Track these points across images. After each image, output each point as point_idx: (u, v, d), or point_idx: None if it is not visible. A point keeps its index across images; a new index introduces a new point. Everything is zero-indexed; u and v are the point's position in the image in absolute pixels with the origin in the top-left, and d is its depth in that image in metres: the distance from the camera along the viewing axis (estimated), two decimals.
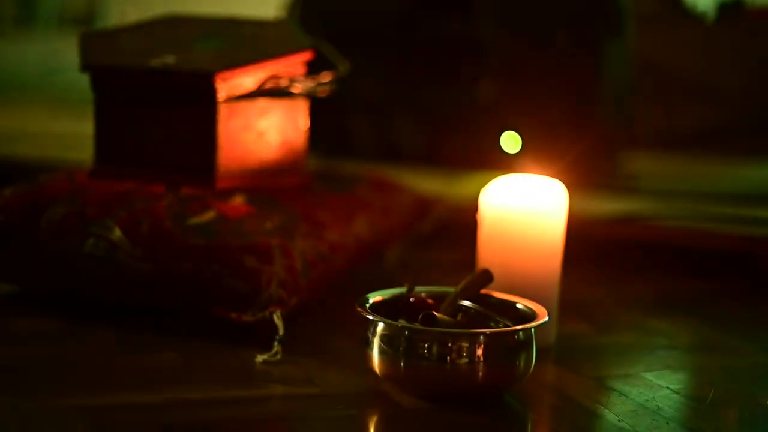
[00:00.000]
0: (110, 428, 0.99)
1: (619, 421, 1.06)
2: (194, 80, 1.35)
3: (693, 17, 3.02)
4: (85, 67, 1.39)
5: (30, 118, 2.95)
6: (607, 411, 1.09)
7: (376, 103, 2.32)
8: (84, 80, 1.41)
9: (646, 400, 1.11)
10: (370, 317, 1.08)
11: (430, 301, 1.16)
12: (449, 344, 1.04)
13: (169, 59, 1.37)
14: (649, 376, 1.20)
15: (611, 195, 2.06)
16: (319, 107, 1.52)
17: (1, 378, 1.11)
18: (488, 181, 1.28)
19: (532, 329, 1.08)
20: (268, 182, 1.41)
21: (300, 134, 1.45)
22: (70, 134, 2.44)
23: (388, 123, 2.32)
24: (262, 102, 1.40)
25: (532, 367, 1.09)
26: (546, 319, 1.11)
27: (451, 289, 1.16)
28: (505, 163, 2.06)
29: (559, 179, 1.28)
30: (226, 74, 1.34)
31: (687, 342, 1.37)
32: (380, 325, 1.07)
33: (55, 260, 1.29)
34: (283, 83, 1.40)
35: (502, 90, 2.23)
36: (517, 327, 1.08)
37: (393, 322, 1.07)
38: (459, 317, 1.14)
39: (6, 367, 1.15)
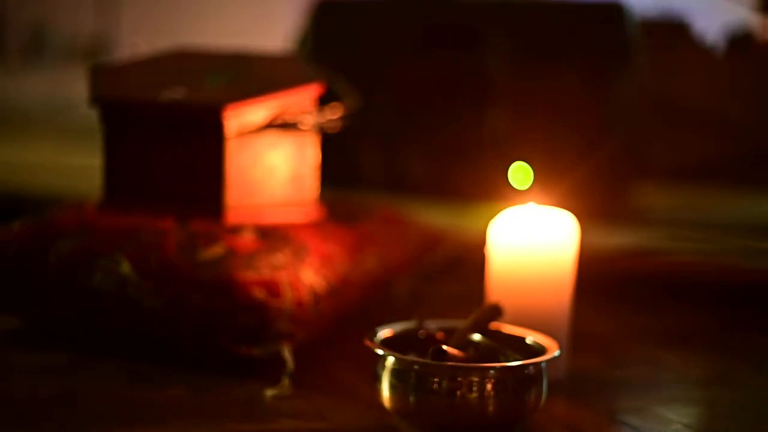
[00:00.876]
0: None
1: None
2: (203, 114, 1.35)
3: (703, 49, 3.02)
4: (95, 100, 1.39)
5: (38, 152, 2.96)
6: None
7: (386, 135, 2.33)
8: (92, 114, 1.42)
9: None
10: (380, 351, 1.07)
11: (439, 335, 1.15)
12: (459, 379, 1.04)
13: (179, 93, 1.38)
14: (660, 409, 1.19)
15: (622, 227, 2.06)
16: (329, 139, 1.52)
17: (8, 412, 1.11)
18: (497, 214, 1.28)
19: (543, 363, 1.08)
20: (278, 217, 1.41)
21: (310, 168, 1.45)
22: (79, 168, 2.44)
23: (397, 155, 2.33)
24: (271, 136, 1.40)
25: (542, 401, 1.08)
26: (556, 352, 1.10)
27: (460, 323, 1.16)
28: (514, 196, 2.06)
29: (568, 211, 1.28)
30: (236, 108, 1.34)
31: (698, 375, 1.36)
32: (390, 360, 1.06)
33: (64, 294, 1.29)
34: (293, 117, 1.40)
35: (511, 122, 2.23)
36: (528, 361, 1.08)
37: (403, 357, 1.07)
38: (469, 351, 1.14)
39: (13, 401, 1.14)
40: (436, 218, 1.81)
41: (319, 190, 1.48)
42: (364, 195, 1.94)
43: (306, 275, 1.27)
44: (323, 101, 1.46)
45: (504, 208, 1.29)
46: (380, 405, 1.08)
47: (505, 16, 2.26)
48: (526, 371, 1.07)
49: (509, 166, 2.19)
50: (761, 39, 3.01)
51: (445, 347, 1.10)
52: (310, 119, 1.42)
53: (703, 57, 2.97)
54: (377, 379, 1.07)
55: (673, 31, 3.04)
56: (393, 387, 1.06)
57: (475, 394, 1.04)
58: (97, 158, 1.43)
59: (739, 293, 1.70)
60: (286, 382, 1.17)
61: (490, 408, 1.04)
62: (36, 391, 1.17)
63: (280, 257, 1.28)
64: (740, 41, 3.01)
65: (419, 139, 2.31)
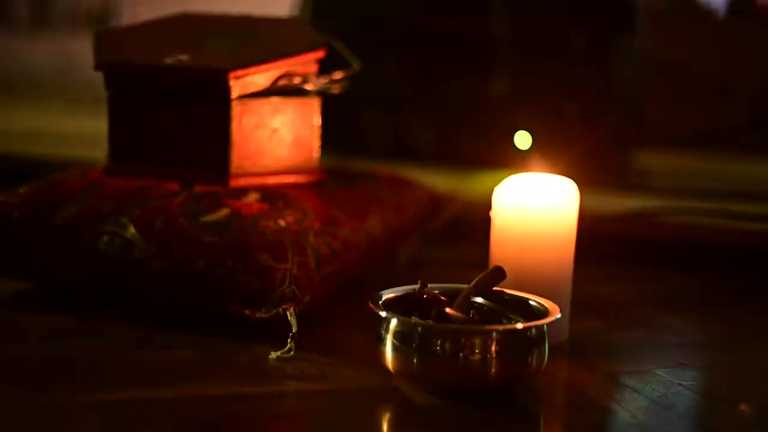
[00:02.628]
0: (125, 424, 0.99)
1: (631, 417, 1.06)
2: (208, 78, 1.36)
3: (704, 13, 3.02)
4: (99, 65, 1.40)
5: (44, 117, 2.96)
6: (620, 407, 1.09)
7: (389, 100, 2.32)
8: (98, 78, 1.42)
9: (659, 397, 1.12)
10: (384, 314, 1.08)
11: (443, 297, 1.16)
12: (462, 341, 1.05)
13: (183, 57, 1.38)
14: (661, 372, 1.20)
15: (623, 193, 2.06)
16: (332, 106, 1.52)
17: (16, 374, 1.12)
18: (501, 179, 1.28)
19: (545, 326, 1.09)
20: (282, 180, 1.41)
21: (313, 132, 1.45)
22: (84, 132, 2.45)
23: (400, 121, 2.33)
24: (275, 100, 1.40)
25: (544, 364, 1.09)
26: (558, 315, 1.11)
27: (463, 286, 1.17)
28: (517, 162, 2.07)
29: (570, 177, 1.29)
30: (240, 72, 1.34)
31: (699, 338, 1.37)
32: (393, 322, 1.07)
33: (70, 257, 1.30)
34: (297, 81, 1.41)
35: (513, 87, 2.23)
36: (530, 323, 1.09)
37: (406, 319, 1.08)
38: (472, 314, 1.15)
39: (20, 364, 1.15)
40: (439, 183, 1.81)
41: (321, 154, 1.48)
42: (369, 162, 1.94)
43: (310, 238, 1.28)
44: (324, 65, 1.46)
45: (508, 175, 1.29)
46: (384, 367, 1.09)
47: None
48: (528, 333, 1.07)
49: (512, 132, 2.20)
50: (762, 4, 3.00)
51: (448, 310, 1.11)
52: (313, 83, 1.42)
53: (704, 22, 2.96)
54: (381, 342, 1.08)
55: None
56: (396, 349, 1.07)
57: (477, 356, 1.05)
58: (103, 122, 1.43)
59: (740, 256, 1.71)
60: (290, 344, 1.18)
61: (493, 370, 1.05)
62: (44, 354, 1.18)
63: (284, 220, 1.29)
64: (742, 4, 3.00)
65: (422, 105, 2.31)
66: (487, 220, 1.28)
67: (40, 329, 1.27)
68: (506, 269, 1.17)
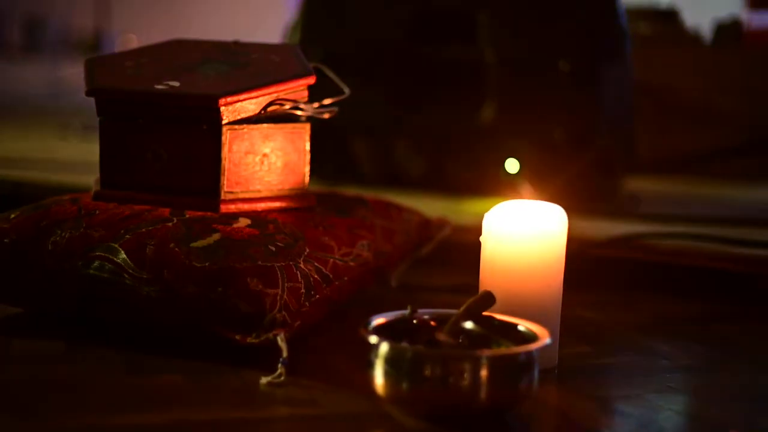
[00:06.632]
0: None
1: None
2: (198, 104, 1.36)
3: (691, 39, 3.03)
4: (91, 91, 1.40)
5: (35, 142, 2.96)
6: (609, 431, 1.10)
7: (378, 127, 2.33)
8: (89, 104, 1.43)
9: (649, 421, 1.12)
10: (373, 339, 1.08)
11: (433, 323, 1.17)
12: (451, 366, 1.05)
13: (174, 83, 1.39)
14: (651, 397, 1.20)
15: (611, 219, 2.07)
16: (321, 133, 1.53)
17: (5, 398, 1.12)
18: (491, 206, 1.29)
19: (534, 351, 1.09)
20: (272, 205, 1.42)
21: (303, 157, 1.46)
22: (75, 158, 2.45)
23: (389, 147, 2.33)
24: (265, 126, 1.41)
25: (534, 389, 1.09)
26: (548, 340, 1.11)
27: (453, 311, 1.17)
28: (506, 189, 2.07)
29: (558, 204, 1.29)
30: (230, 98, 1.35)
31: (688, 363, 1.38)
32: (383, 347, 1.07)
33: (60, 282, 1.30)
34: (287, 107, 1.41)
35: (502, 114, 2.24)
36: (519, 348, 1.09)
37: (396, 344, 1.08)
38: (461, 339, 1.15)
39: (10, 388, 1.15)
40: (429, 210, 1.82)
41: (311, 180, 1.49)
42: (358, 189, 1.95)
43: (300, 264, 1.29)
44: (314, 91, 1.47)
45: (497, 201, 1.30)
46: (374, 392, 1.09)
47: (496, 4, 2.27)
48: (517, 359, 1.08)
49: (499, 159, 2.20)
50: (749, 29, 3.02)
51: (438, 335, 1.12)
52: (303, 109, 1.43)
53: (691, 48, 2.98)
54: (371, 367, 1.09)
55: (662, 23, 3.05)
56: (386, 374, 1.07)
57: (467, 382, 1.05)
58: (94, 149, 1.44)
59: (728, 281, 1.71)
60: (280, 370, 1.18)
61: (482, 395, 1.06)
62: (33, 378, 1.18)
63: (275, 246, 1.29)
64: (728, 31, 3.02)
65: (411, 131, 2.32)
66: (477, 246, 1.28)
67: (30, 353, 1.27)
68: (496, 294, 1.17)
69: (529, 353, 1.08)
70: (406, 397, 1.07)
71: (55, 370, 1.21)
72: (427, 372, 1.05)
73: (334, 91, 1.49)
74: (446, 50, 2.29)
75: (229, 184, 1.38)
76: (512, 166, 2.20)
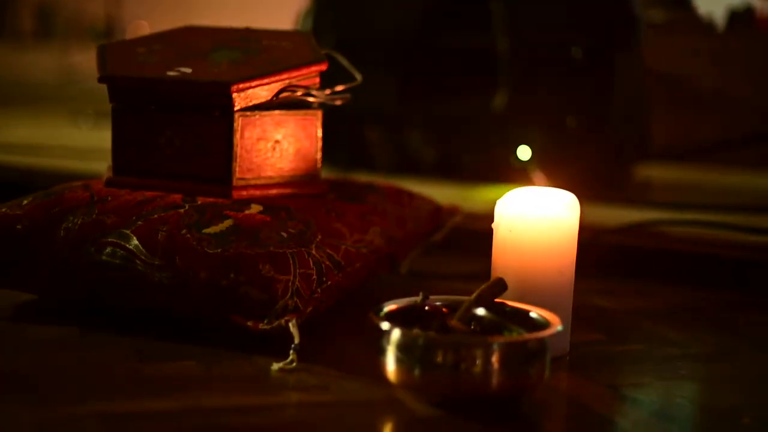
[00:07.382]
0: None
1: (632, 429, 1.06)
2: (210, 91, 1.36)
3: (704, 26, 3.02)
4: (103, 78, 1.40)
5: (47, 129, 2.97)
6: (620, 419, 1.09)
7: (391, 114, 2.33)
8: (100, 91, 1.43)
9: (659, 409, 1.12)
10: (385, 326, 1.09)
11: (444, 309, 1.17)
12: (463, 352, 1.05)
13: (186, 70, 1.39)
14: (662, 384, 1.20)
15: (624, 206, 2.07)
16: (334, 120, 1.53)
17: (19, 386, 1.12)
18: (503, 193, 1.29)
19: (546, 338, 1.09)
20: (284, 192, 1.42)
21: (315, 144, 1.46)
22: (87, 145, 2.46)
23: (402, 134, 2.33)
24: (277, 112, 1.41)
25: (545, 375, 1.09)
26: (559, 327, 1.11)
27: (465, 298, 1.17)
28: (519, 176, 2.07)
29: (571, 191, 1.29)
30: (242, 85, 1.35)
31: (699, 351, 1.38)
32: (395, 334, 1.07)
33: (73, 269, 1.30)
34: (299, 94, 1.41)
35: (514, 102, 2.23)
36: (531, 335, 1.09)
37: (408, 331, 1.08)
38: (473, 326, 1.15)
39: (24, 375, 1.15)
40: (442, 197, 1.82)
41: (323, 168, 1.49)
42: (371, 176, 1.95)
43: (312, 250, 1.29)
44: (327, 77, 1.47)
45: (509, 189, 1.30)
46: (385, 378, 1.09)
47: None
48: (529, 345, 1.08)
49: (512, 147, 2.20)
50: (762, 15, 3.01)
51: (449, 321, 1.12)
52: (315, 96, 1.43)
53: (704, 36, 2.97)
54: (382, 353, 1.09)
55: (675, 10, 3.04)
56: (398, 361, 1.07)
57: (478, 368, 1.05)
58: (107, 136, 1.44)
59: (740, 269, 1.71)
60: (292, 356, 1.18)
61: (494, 382, 1.06)
62: (45, 366, 1.18)
63: (287, 232, 1.29)
64: (742, 17, 3.01)
65: (424, 119, 2.32)
66: (489, 233, 1.28)
67: (42, 340, 1.27)
68: (508, 281, 1.17)
69: (540, 340, 1.08)
70: (417, 383, 1.07)
71: (67, 357, 1.21)
72: (439, 358, 1.05)
73: (346, 78, 1.49)
74: (459, 38, 2.29)
75: (241, 171, 1.38)
76: (524, 153, 2.19)
